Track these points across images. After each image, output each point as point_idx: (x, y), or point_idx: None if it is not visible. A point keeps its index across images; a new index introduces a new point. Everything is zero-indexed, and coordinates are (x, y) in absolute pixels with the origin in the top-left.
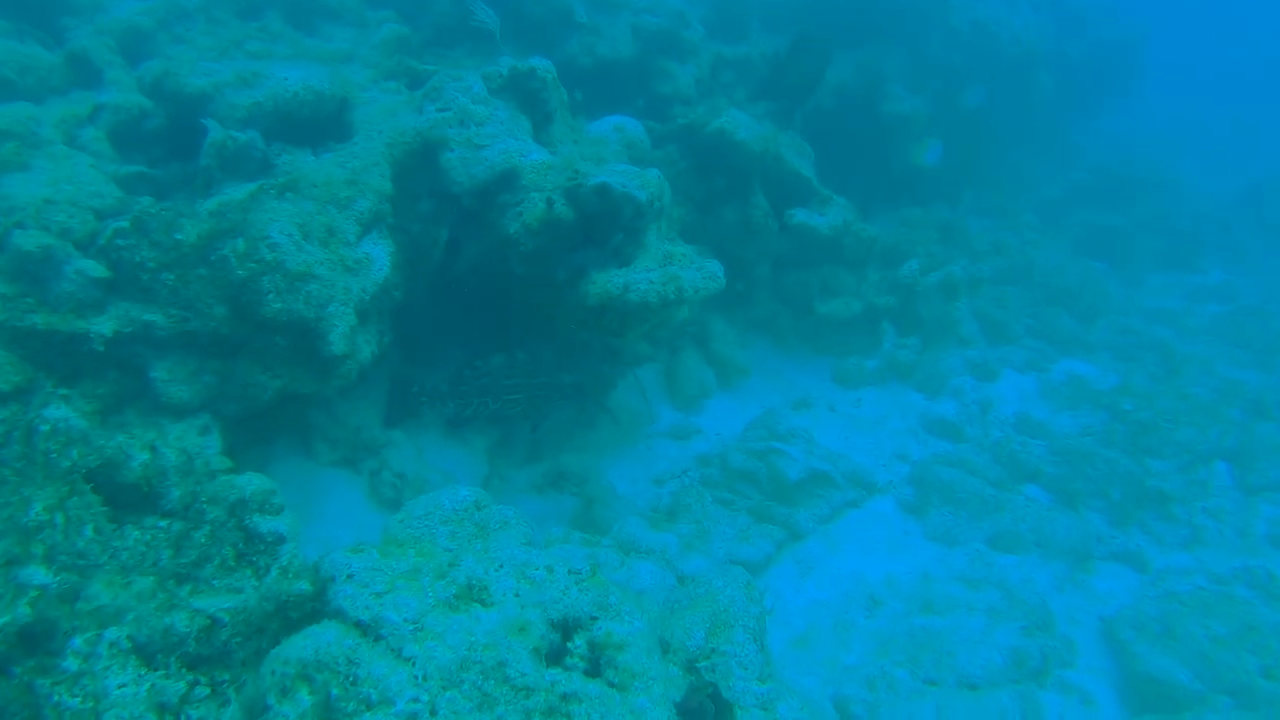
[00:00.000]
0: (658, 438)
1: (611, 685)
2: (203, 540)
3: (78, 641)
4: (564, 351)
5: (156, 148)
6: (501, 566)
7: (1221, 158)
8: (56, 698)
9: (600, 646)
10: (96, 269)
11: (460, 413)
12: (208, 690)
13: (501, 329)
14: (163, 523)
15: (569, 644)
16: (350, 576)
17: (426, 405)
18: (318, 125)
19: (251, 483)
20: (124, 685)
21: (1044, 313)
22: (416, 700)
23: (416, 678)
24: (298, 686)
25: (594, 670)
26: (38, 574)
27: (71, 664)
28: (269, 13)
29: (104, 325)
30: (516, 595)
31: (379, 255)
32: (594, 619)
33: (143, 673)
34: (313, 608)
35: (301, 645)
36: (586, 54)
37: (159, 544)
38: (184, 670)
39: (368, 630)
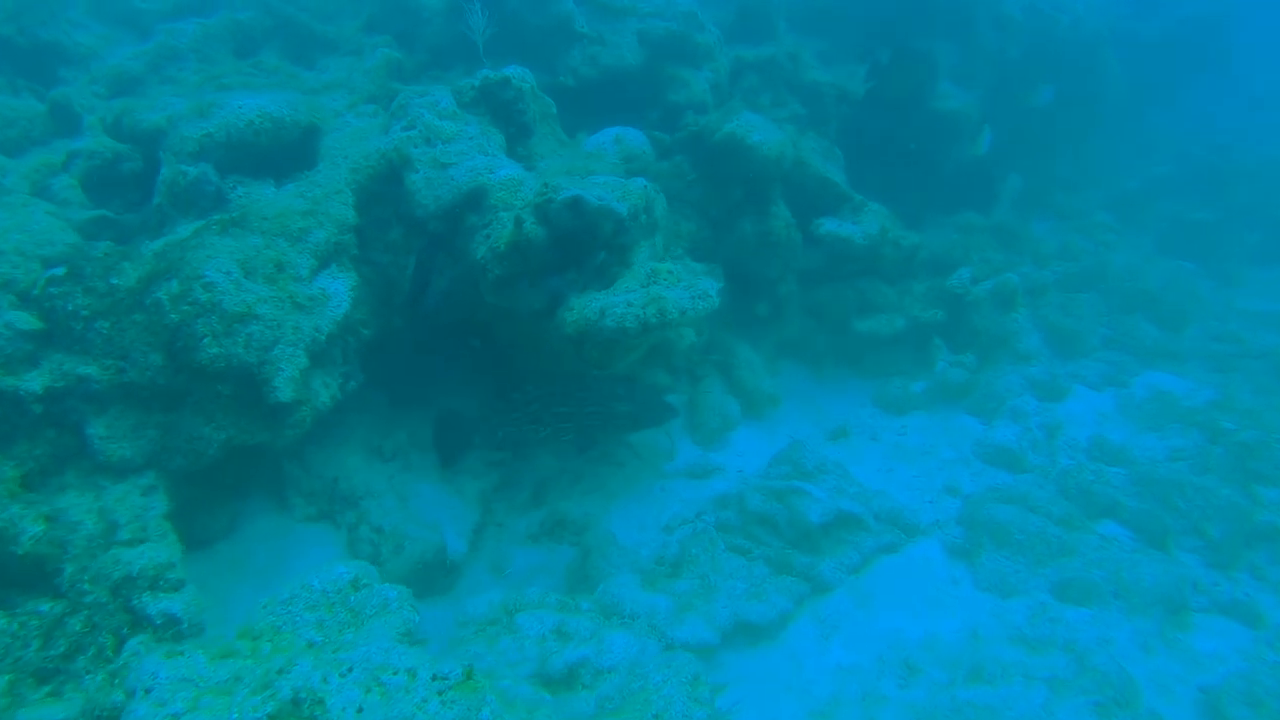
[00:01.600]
0: (674, 477)
1: None
2: (78, 628)
3: None
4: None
5: (134, 191)
6: (349, 671)
7: None
8: None
9: None
10: (27, 321)
11: (511, 438)
12: None
13: (493, 366)
14: (44, 606)
15: None
16: (148, 691)
17: (478, 436)
18: (285, 154)
19: (144, 556)
20: None
21: (1122, 321)
22: None
23: None
24: None
25: None
26: None
27: None
28: (265, 49)
29: (34, 382)
30: (359, 712)
31: (338, 290)
32: None
33: None
34: None
35: None
36: (590, 64)
37: (29, 633)
38: None
39: None
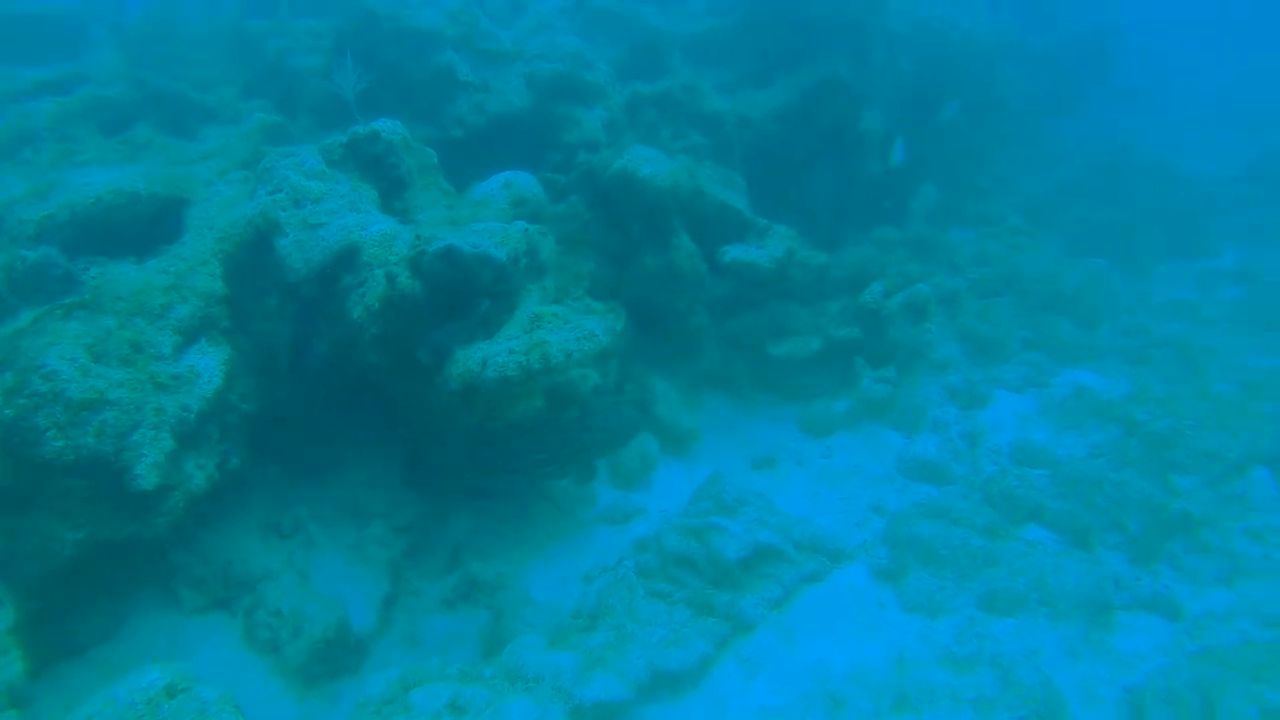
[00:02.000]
0: (595, 524)
1: None
2: None
3: None
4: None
5: None
6: None
7: (1215, 139)
8: None
9: None
10: None
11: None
12: None
13: (393, 426)
14: None
15: None
16: None
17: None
18: (146, 229)
19: None
20: None
21: (1040, 322)
22: None
23: None
24: None
25: None
26: None
27: None
28: (138, 124)
29: None
30: None
31: (208, 366)
32: None
33: None
34: None
35: None
36: (477, 112)
37: None
38: None
39: None
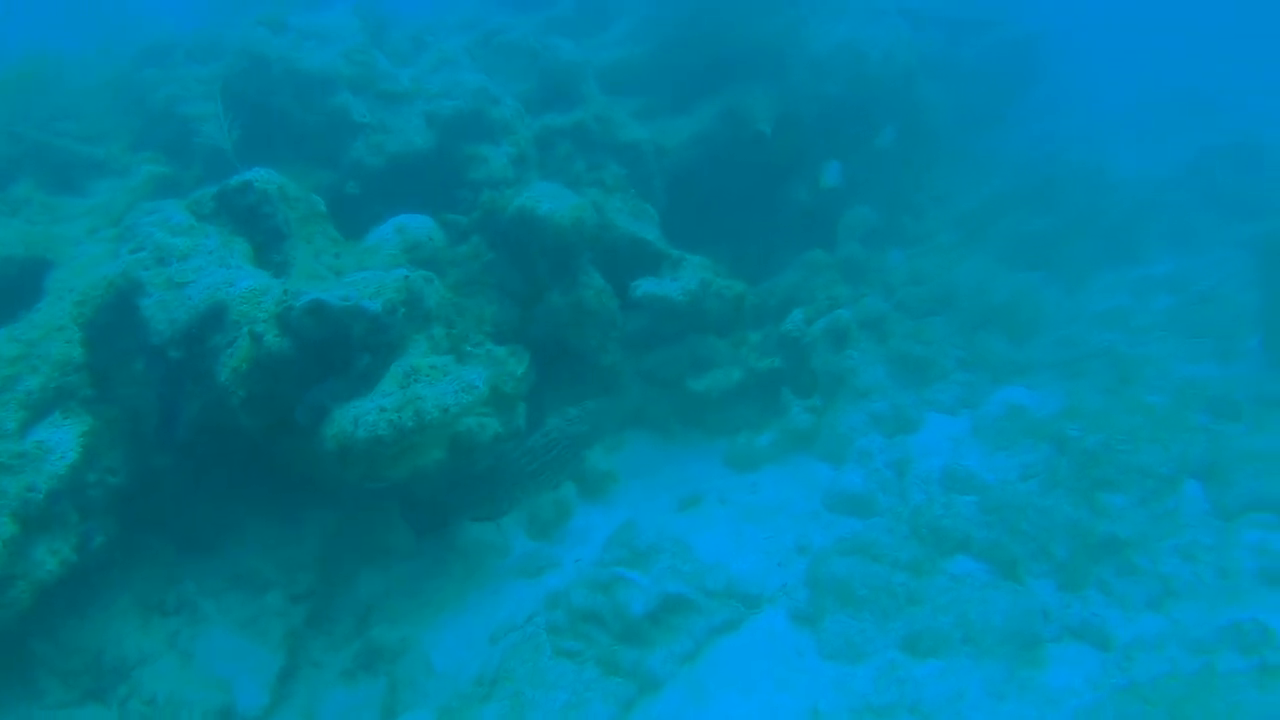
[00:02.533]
0: (507, 577)
1: None
2: None
3: None
4: None
5: None
6: None
7: (1148, 144)
8: None
9: None
10: None
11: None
12: None
13: (285, 488)
14: None
15: None
16: None
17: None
18: (3, 293)
19: None
20: None
21: (974, 339)
22: None
23: None
24: None
25: None
26: None
27: None
28: (18, 181)
29: None
30: None
31: (62, 440)
32: None
33: None
34: None
35: None
36: (376, 154)
37: None
38: None
39: None
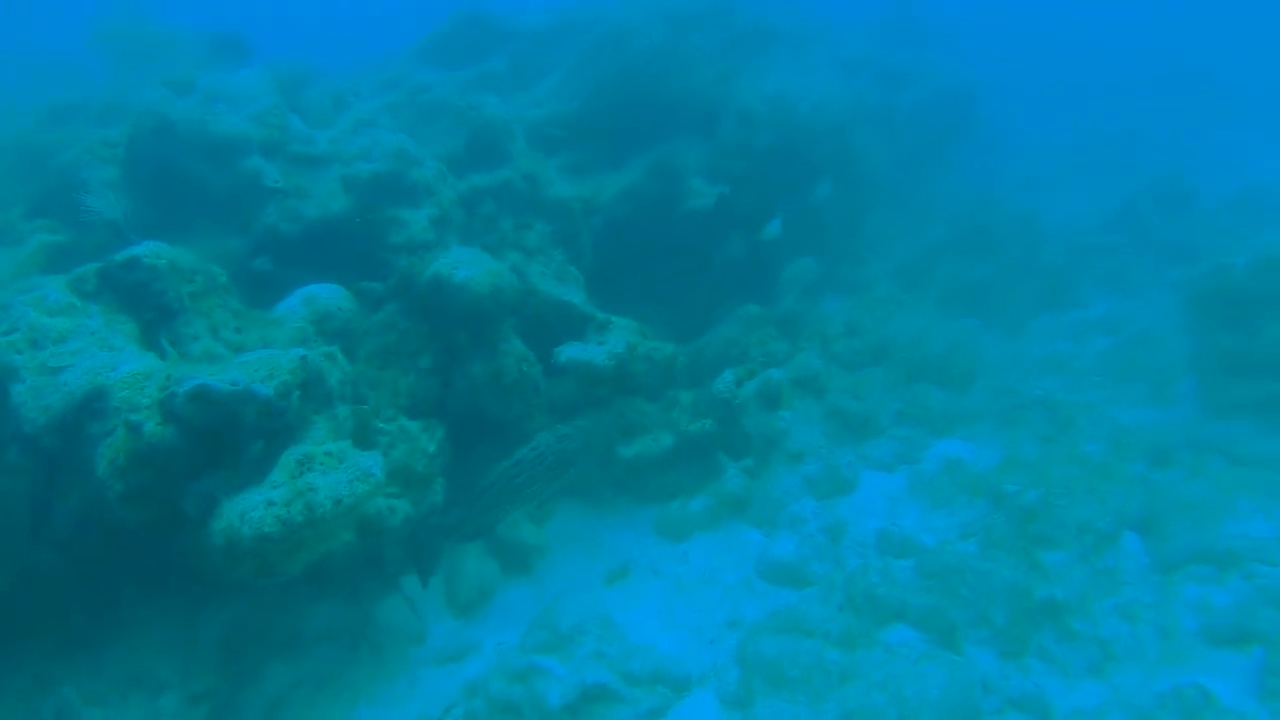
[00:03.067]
0: (424, 665)
1: None
2: None
3: None
4: None
5: None
6: None
7: (1081, 187)
8: None
9: None
10: None
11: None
12: None
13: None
14: None
15: None
16: None
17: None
18: None
19: None
20: None
21: (912, 391)
22: None
23: None
24: None
25: None
26: None
27: None
28: None
29: None
30: None
31: None
32: None
33: None
34: None
35: None
36: (290, 220)
37: None
38: None
39: None
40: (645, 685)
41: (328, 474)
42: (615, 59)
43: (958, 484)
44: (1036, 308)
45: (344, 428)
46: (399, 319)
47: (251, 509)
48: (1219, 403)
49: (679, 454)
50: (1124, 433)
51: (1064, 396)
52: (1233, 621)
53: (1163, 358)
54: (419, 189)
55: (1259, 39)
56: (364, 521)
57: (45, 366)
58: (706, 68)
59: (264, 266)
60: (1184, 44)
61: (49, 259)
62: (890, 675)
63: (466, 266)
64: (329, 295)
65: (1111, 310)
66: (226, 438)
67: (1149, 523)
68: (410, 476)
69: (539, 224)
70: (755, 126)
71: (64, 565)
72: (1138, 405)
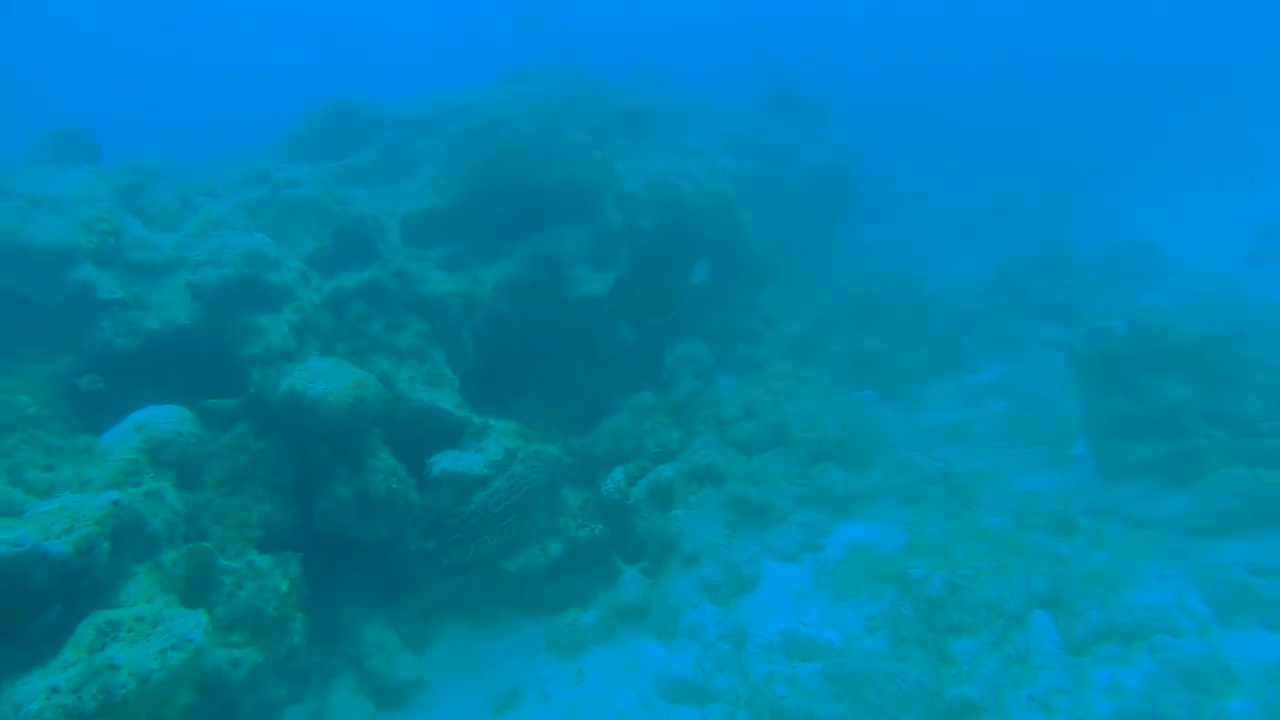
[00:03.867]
0: None
1: None
2: None
3: None
4: None
5: None
6: None
7: (966, 251)
8: None
9: None
10: None
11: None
12: None
13: None
14: None
15: None
16: None
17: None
18: None
19: None
20: None
21: (812, 473)
22: None
23: None
24: None
25: None
26: None
27: None
28: None
29: None
30: None
31: None
32: None
33: None
34: None
35: None
36: (128, 334)
37: None
38: None
39: None
40: None
41: (135, 644)
42: (490, 146)
43: (863, 571)
44: (931, 374)
45: (173, 576)
46: (251, 439)
47: (29, 700)
48: (1113, 465)
49: (570, 561)
50: (1026, 501)
51: (965, 465)
52: (1143, 707)
53: (1056, 420)
54: (278, 293)
55: (1128, 102)
56: (202, 680)
57: None
58: (584, 152)
59: (93, 386)
60: (1058, 105)
61: None
62: None
63: (324, 379)
64: (166, 419)
65: (1003, 374)
66: (11, 607)
67: (1057, 598)
68: (260, 621)
69: (414, 323)
70: (638, 210)
71: None
72: (1037, 470)
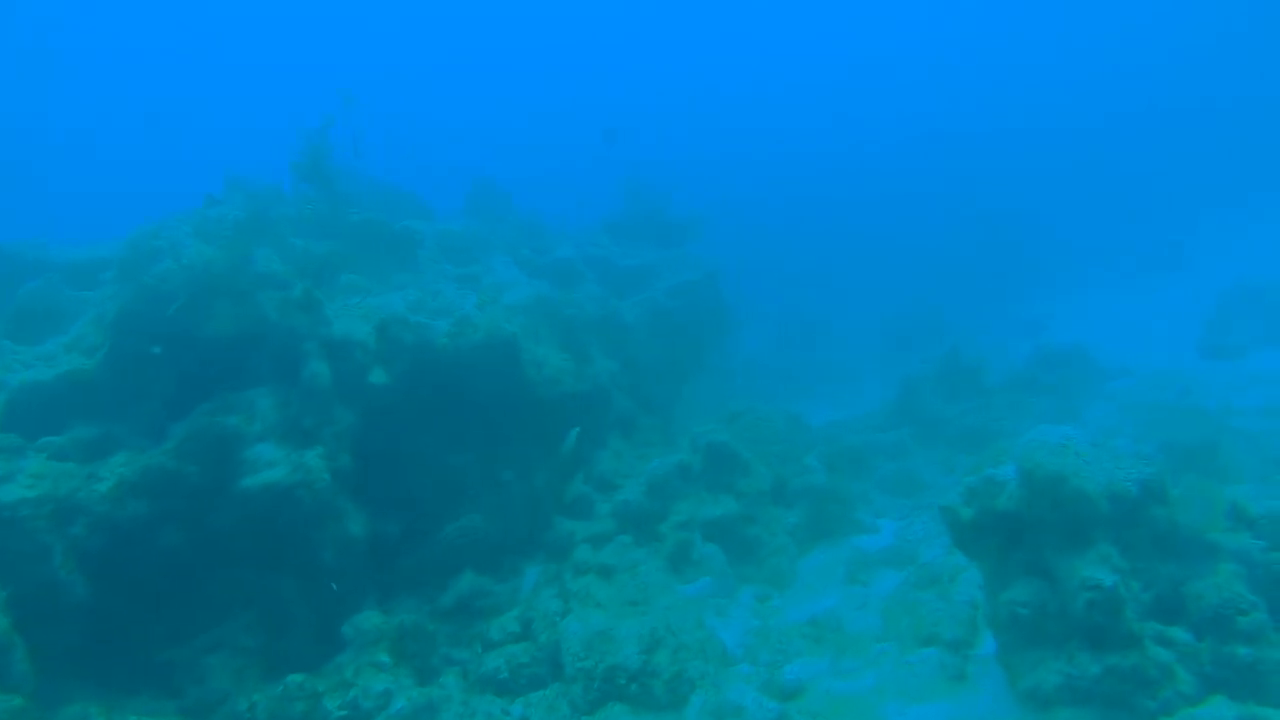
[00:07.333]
0: None
1: None
2: None
3: None
4: None
5: None
6: None
7: (868, 372)
8: None
9: None
10: None
11: None
12: None
13: None
14: None
15: None
16: None
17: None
18: None
19: None
20: None
21: None
22: None
23: None
24: None
25: None
26: None
27: None
28: None
29: None
30: None
31: None
32: None
33: None
34: None
35: None
36: None
37: None
38: None
39: None
40: None
41: None
42: (137, 286)
43: None
44: (810, 539)
45: None
46: None
47: None
48: (1027, 685)
49: None
50: None
51: (827, 688)
52: None
53: (960, 599)
54: None
55: (1045, 201)
56: None
57: None
58: (274, 290)
59: None
60: (979, 205)
61: None
62: None
63: None
64: None
65: (900, 533)
66: None
67: None
68: None
69: None
70: (361, 361)
71: None
72: (927, 692)
